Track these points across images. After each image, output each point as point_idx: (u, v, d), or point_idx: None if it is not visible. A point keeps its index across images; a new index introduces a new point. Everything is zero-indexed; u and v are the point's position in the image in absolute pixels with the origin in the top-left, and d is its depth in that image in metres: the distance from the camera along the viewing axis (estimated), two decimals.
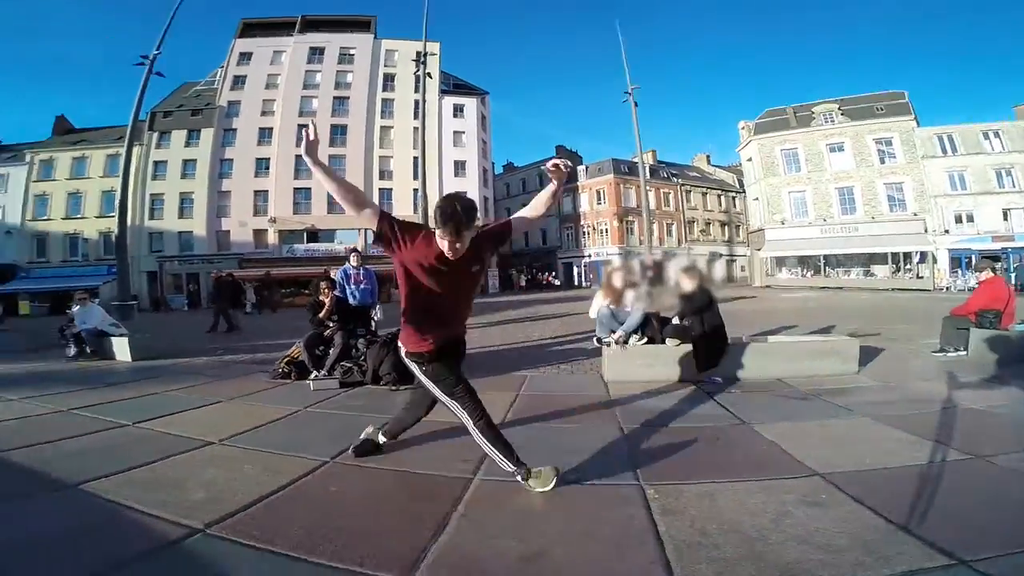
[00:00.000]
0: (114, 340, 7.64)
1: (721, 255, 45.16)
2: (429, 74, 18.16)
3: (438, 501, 2.13)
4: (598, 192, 44.04)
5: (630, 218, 42.46)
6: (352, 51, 38.82)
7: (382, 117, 37.86)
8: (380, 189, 36.36)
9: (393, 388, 4.73)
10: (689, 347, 4.80)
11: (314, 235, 35.03)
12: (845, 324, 8.67)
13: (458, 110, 39.41)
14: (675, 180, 45.71)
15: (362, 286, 6.75)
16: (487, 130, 42.42)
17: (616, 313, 5.33)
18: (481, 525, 1.92)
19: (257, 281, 27.44)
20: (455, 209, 1.98)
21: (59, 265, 32.79)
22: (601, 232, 43.51)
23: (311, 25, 39.22)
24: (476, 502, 2.15)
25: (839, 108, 32.85)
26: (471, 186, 38.25)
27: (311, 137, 2.14)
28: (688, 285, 5.10)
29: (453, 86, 40.88)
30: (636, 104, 19.11)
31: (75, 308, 8.20)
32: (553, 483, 2.17)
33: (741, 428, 3.24)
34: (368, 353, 5.24)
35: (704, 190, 47.08)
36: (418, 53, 17.25)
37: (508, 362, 6.17)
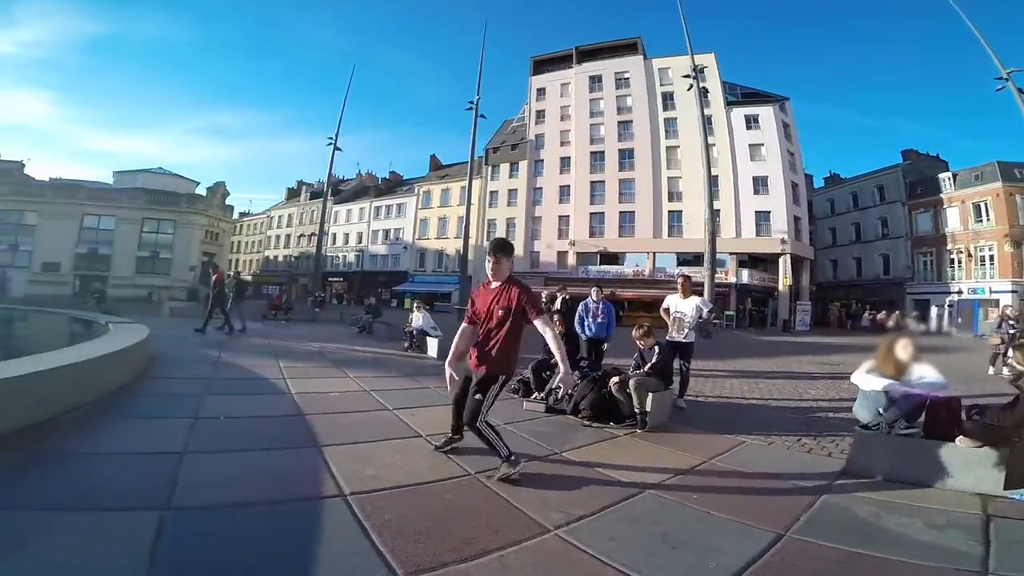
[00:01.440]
0: (429, 340, 10.33)
1: None
2: (705, 89, 17.29)
3: (501, 536, 2.33)
4: (976, 206, 32.27)
5: None
6: (626, 75, 40.07)
7: (666, 137, 37.58)
8: (669, 212, 36.17)
9: (586, 424, 4.92)
10: (991, 451, 3.32)
11: (609, 257, 37.43)
12: None
13: (751, 121, 35.55)
14: None
15: (599, 320, 7.10)
16: (792, 140, 36.78)
17: (890, 388, 4.03)
18: (505, 571, 2.03)
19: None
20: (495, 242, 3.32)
21: (431, 273, 45.32)
22: (980, 260, 31.73)
23: (586, 55, 42.38)
24: (526, 552, 2.23)
25: None
26: (776, 204, 33.78)
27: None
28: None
29: (742, 95, 37.19)
30: (1021, 91, 13.35)
31: (413, 313, 11.40)
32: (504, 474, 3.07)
33: None
34: (579, 386, 5.55)
35: None
36: (694, 68, 16.75)
37: (741, 421, 5.40)
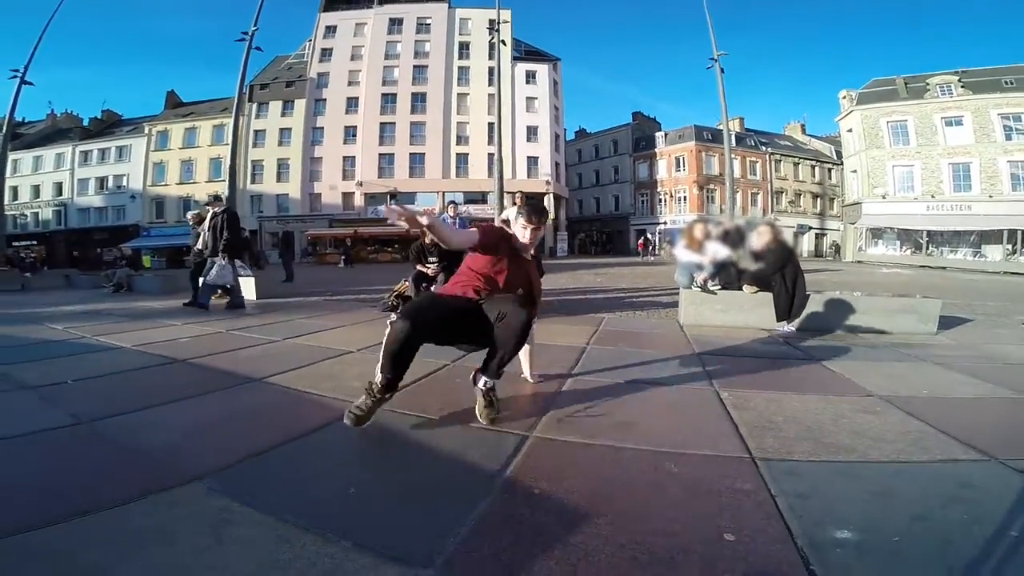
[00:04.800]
0: (242, 281, 8.79)
1: (810, 227, 42.08)
2: (503, 41, 18.29)
3: (544, 396, 2.71)
4: (678, 159, 42.72)
5: (711, 186, 41.01)
6: (428, 21, 39.80)
7: (458, 84, 38.73)
8: (457, 154, 37.57)
9: None
10: (766, 294, 4.98)
11: (396, 197, 36.97)
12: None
13: (530, 76, 39.46)
14: (763, 148, 42.98)
15: None
16: (559, 96, 42.05)
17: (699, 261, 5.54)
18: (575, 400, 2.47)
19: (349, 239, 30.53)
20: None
21: (175, 224, 37.16)
22: (679, 200, 42.33)
23: None
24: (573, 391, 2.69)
25: (959, 80, 29.33)
26: (543, 151, 38.48)
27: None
28: (766, 240, 5.20)
29: (525, 52, 40.84)
30: (723, 71, 18.10)
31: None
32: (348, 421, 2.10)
33: (809, 363, 3.57)
34: None
35: (796, 160, 43.99)
36: (491, 21, 17.48)
37: (587, 308, 6.59)
